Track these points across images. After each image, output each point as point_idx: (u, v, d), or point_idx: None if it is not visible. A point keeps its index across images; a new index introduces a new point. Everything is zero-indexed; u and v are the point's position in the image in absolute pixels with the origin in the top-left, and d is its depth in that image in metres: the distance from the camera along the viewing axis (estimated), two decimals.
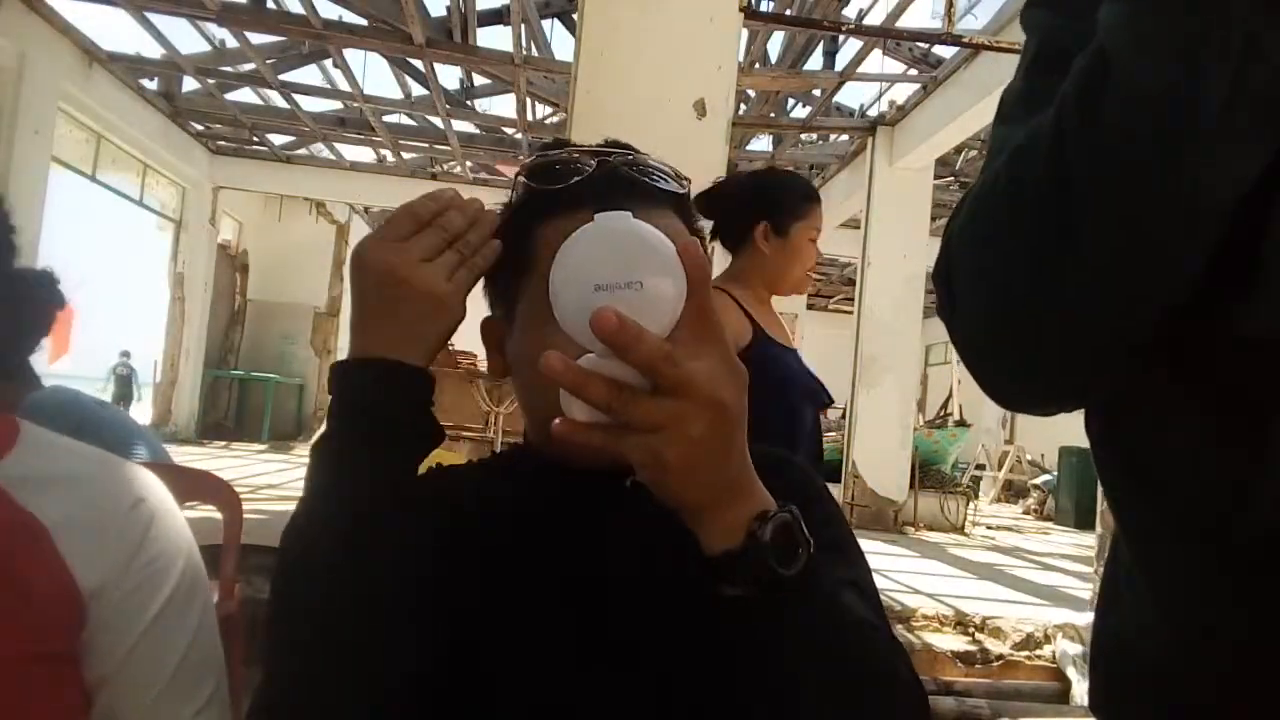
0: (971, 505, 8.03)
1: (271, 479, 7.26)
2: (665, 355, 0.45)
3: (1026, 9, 0.58)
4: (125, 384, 11.15)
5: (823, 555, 0.52)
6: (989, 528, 8.17)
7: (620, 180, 0.66)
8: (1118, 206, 0.43)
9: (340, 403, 0.60)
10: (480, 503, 0.68)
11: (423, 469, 0.74)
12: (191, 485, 2.84)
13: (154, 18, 7.09)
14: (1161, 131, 0.41)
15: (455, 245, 0.63)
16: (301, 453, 10.34)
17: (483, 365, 8.15)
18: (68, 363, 9.66)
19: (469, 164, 10.44)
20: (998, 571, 5.49)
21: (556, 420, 0.48)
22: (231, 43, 7.84)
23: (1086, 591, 4.54)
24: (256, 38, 7.62)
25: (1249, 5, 0.39)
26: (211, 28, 7.67)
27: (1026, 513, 10.30)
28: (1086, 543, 6.65)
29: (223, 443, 10.62)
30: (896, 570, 4.95)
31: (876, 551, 5.76)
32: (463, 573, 0.62)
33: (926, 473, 7.68)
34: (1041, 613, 4.02)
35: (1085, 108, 0.43)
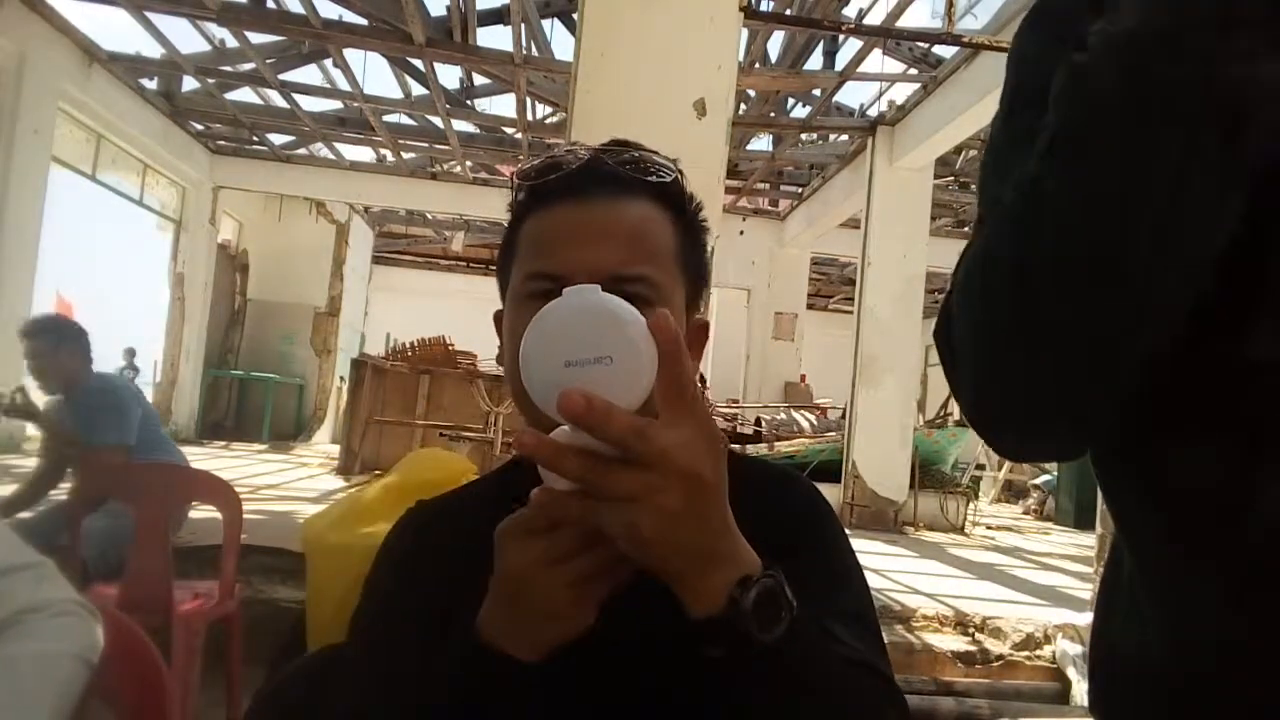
0: (971, 505, 8.02)
1: (271, 479, 7.25)
2: (636, 431, 0.45)
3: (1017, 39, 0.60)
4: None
5: (814, 584, 0.52)
6: (989, 528, 8.16)
7: (597, 172, 0.67)
8: (1071, 307, 0.45)
9: (438, 674, 0.58)
10: (481, 539, 0.67)
11: (425, 474, 0.74)
12: (192, 485, 2.85)
13: (154, 17, 7.09)
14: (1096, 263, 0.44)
15: (595, 550, 0.54)
16: (301, 452, 10.34)
17: (483, 366, 8.16)
18: None
19: (469, 164, 10.44)
20: (998, 571, 5.48)
21: (535, 490, 0.49)
22: (231, 42, 7.84)
23: (1087, 592, 4.53)
24: (257, 37, 7.62)
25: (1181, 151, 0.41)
26: (211, 27, 7.66)
27: (1026, 513, 10.29)
28: (1086, 543, 6.64)
29: (222, 442, 10.62)
30: (896, 570, 4.95)
31: (876, 551, 5.75)
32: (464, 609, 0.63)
33: (927, 473, 7.68)
34: (1041, 613, 4.02)
35: (1025, 229, 0.46)
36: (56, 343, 3.08)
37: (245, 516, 2.60)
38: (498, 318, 0.75)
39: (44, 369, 3.06)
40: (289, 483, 7.21)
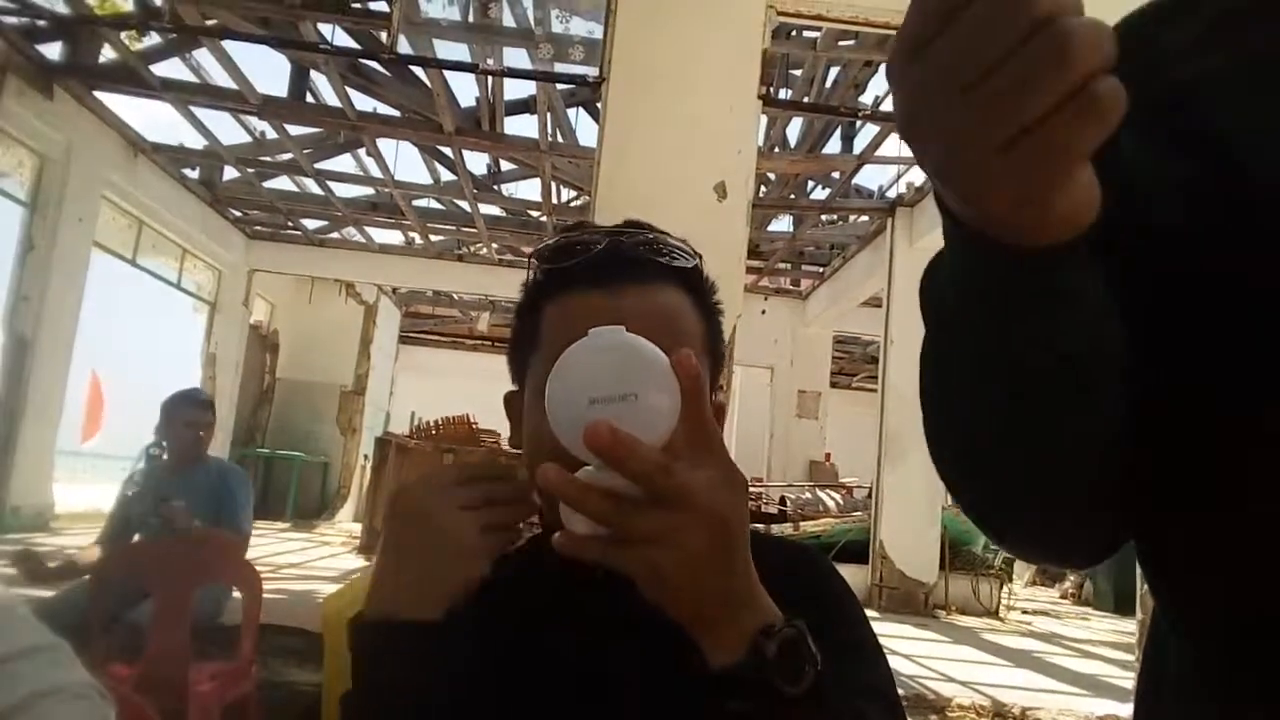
0: (1006, 588, 7.78)
1: (293, 558, 7.22)
2: (661, 467, 0.45)
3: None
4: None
5: (838, 661, 0.51)
6: (1025, 612, 7.89)
7: (622, 258, 0.67)
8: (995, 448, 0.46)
9: (356, 669, 0.61)
10: (501, 608, 0.67)
11: None
12: (213, 563, 2.84)
13: (198, 111, 7.45)
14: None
15: (494, 506, 0.62)
16: (324, 530, 10.30)
17: (504, 443, 8.16)
18: (99, 441, 9.78)
19: (495, 246, 10.69)
20: (1035, 659, 5.28)
21: (556, 535, 0.48)
22: (271, 134, 8.19)
23: (1129, 681, 4.34)
24: (295, 129, 7.95)
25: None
26: (252, 120, 8.03)
27: (1064, 596, 9.96)
28: (1127, 628, 6.39)
29: None
30: (928, 656, 4.78)
31: (906, 636, 5.57)
32: (487, 676, 0.63)
33: (957, 554, 7.48)
34: (1083, 703, 3.85)
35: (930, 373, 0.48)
36: (213, 417, 3.20)
37: (265, 595, 2.59)
38: (509, 399, 0.74)
39: (203, 440, 3.18)
40: (310, 561, 7.17)
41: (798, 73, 6.97)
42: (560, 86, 7.06)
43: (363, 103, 7.16)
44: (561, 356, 0.49)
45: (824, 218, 9.60)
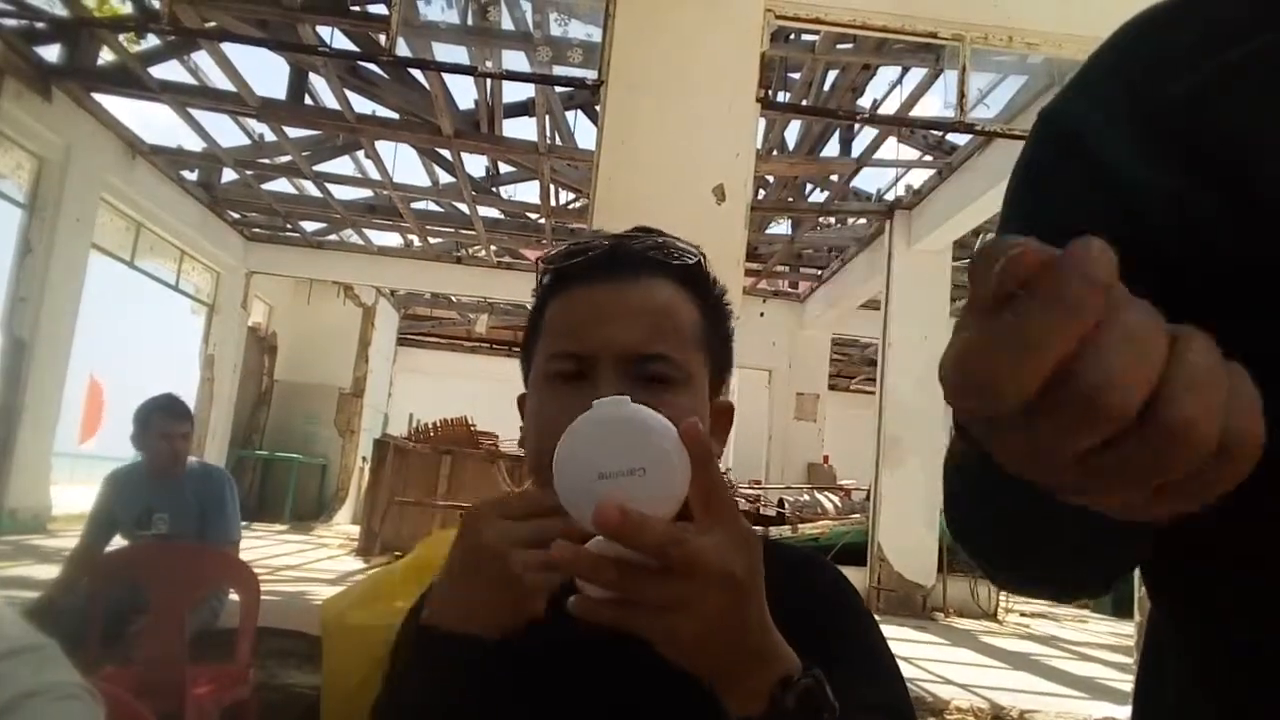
0: (1004, 590, 7.77)
1: (290, 560, 7.21)
2: (672, 539, 0.46)
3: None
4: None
5: (849, 677, 0.52)
6: (1023, 614, 7.88)
7: (621, 256, 0.69)
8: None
9: (405, 673, 0.61)
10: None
11: (446, 554, 0.74)
12: (210, 566, 2.84)
13: (196, 113, 7.45)
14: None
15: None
16: (322, 533, 10.29)
17: (504, 446, 8.16)
18: (97, 443, 9.78)
19: (493, 248, 10.68)
20: (1033, 661, 5.27)
21: (572, 599, 0.49)
22: (270, 136, 8.19)
23: (1127, 683, 4.34)
24: (293, 131, 7.95)
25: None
26: (251, 122, 8.02)
27: None
28: (1125, 631, 6.40)
29: (244, 523, 10.60)
30: (927, 659, 4.78)
31: (905, 639, 5.57)
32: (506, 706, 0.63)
33: (955, 556, 7.48)
34: (1081, 705, 3.85)
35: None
36: (190, 426, 3.11)
37: (263, 598, 2.58)
38: (521, 401, 0.76)
39: (179, 450, 3.04)
40: (308, 564, 7.16)
41: (796, 76, 6.98)
42: (559, 89, 7.06)
43: (361, 105, 7.17)
44: (568, 430, 0.49)
45: (822, 220, 9.61)
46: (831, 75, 6.81)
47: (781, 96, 7.05)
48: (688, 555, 0.46)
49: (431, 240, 10.81)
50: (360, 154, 8.63)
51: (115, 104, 7.54)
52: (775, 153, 7.85)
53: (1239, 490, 0.43)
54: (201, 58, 7.02)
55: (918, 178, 7.98)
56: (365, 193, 9.64)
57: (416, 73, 6.87)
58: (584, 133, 7.52)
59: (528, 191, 12.20)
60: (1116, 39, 0.52)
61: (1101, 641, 6.61)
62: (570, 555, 0.46)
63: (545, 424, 0.66)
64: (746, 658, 0.49)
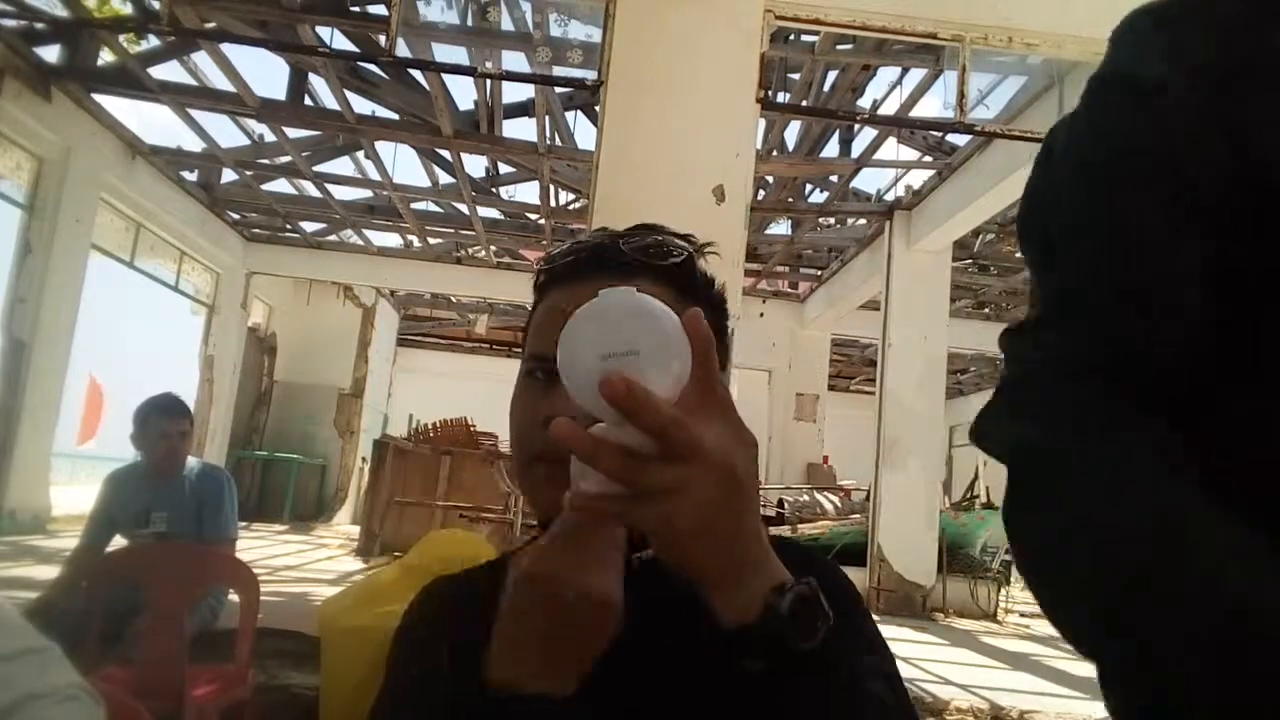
0: (1004, 591, 7.77)
1: (290, 560, 7.21)
2: (674, 419, 0.45)
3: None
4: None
5: (849, 640, 0.51)
6: (1023, 615, 7.89)
7: (604, 255, 0.69)
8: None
9: None
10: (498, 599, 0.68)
11: (443, 555, 0.74)
12: (210, 566, 2.83)
13: (196, 114, 7.45)
14: None
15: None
16: (321, 533, 10.29)
17: (504, 447, 8.16)
18: (96, 443, 9.77)
19: (493, 249, 10.68)
20: (1034, 662, 5.27)
21: (568, 494, 0.48)
22: (269, 137, 8.19)
23: None
24: (293, 132, 7.95)
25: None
26: (251, 123, 8.02)
27: None
28: None
29: (244, 523, 10.61)
30: (926, 659, 4.77)
31: (904, 639, 5.57)
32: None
33: (955, 556, 7.48)
34: (1082, 706, 3.85)
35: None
36: (189, 425, 3.10)
37: (262, 598, 2.58)
38: None
39: (178, 449, 3.02)
40: (308, 564, 7.16)
41: (796, 76, 6.98)
42: (559, 90, 7.06)
43: (361, 106, 7.17)
44: (573, 315, 0.49)
45: (822, 221, 9.61)
46: (831, 76, 6.81)
47: (781, 97, 7.05)
48: (689, 439, 0.45)
49: (431, 241, 10.81)
50: (360, 154, 8.63)
51: (115, 104, 7.56)
52: (775, 153, 7.85)
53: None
54: (201, 58, 7.03)
55: (917, 178, 7.99)
56: (365, 193, 9.64)
57: (416, 73, 6.87)
58: (584, 133, 7.55)
59: (527, 192, 12.21)
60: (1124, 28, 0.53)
61: None
62: (571, 433, 0.45)
63: (518, 425, 0.67)
64: (742, 559, 0.49)
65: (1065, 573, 0.48)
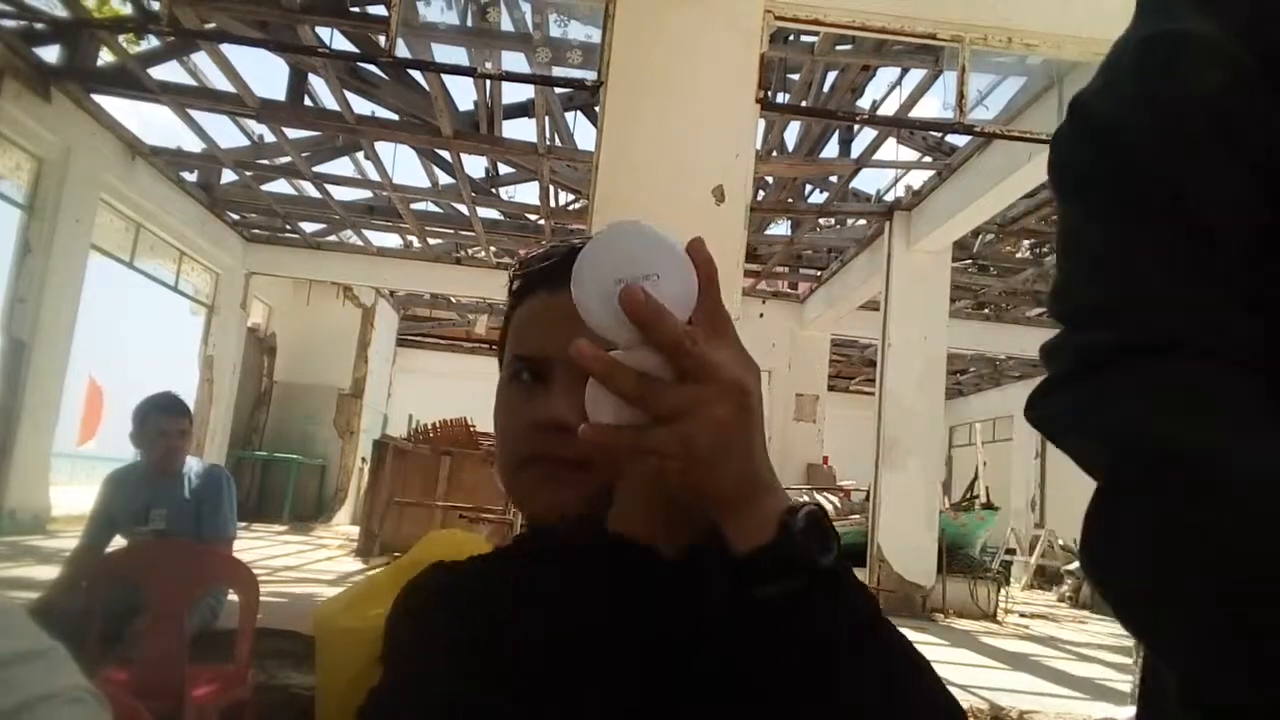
0: (1003, 591, 7.78)
1: (290, 560, 7.21)
2: (689, 332, 0.47)
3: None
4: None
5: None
6: (1022, 615, 7.89)
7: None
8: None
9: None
10: (487, 591, 0.68)
11: (441, 555, 0.74)
12: (209, 566, 2.83)
13: (196, 114, 7.45)
14: None
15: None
16: (321, 533, 10.29)
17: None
18: (95, 443, 9.77)
19: (493, 249, 10.68)
20: (1033, 662, 5.28)
21: (583, 425, 0.48)
22: (269, 137, 8.19)
23: (1127, 684, 4.34)
24: (293, 132, 7.96)
25: None
26: (250, 123, 8.02)
27: (1061, 600, 9.95)
28: (1125, 631, 6.40)
29: (243, 523, 10.61)
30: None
31: None
32: (476, 663, 0.62)
33: (954, 557, 7.48)
34: (1081, 706, 3.85)
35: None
36: (188, 423, 3.09)
37: (262, 599, 2.58)
38: None
39: (177, 447, 3.01)
40: (307, 564, 7.15)
41: (795, 77, 6.99)
42: (558, 90, 7.06)
43: (361, 106, 7.17)
44: (586, 245, 0.50)
45: (822, 221, 9.61)
46: (831, 76, 6.81)
47: (781, 97, 7.06)
48: (703, 357, 0.46)
49: (431, 241, 10.81)
50: (360, 155, 8.63)
51: (115, 105, 7.56)
52: (775, 154, 7.85)
53: None
54: (201, 59, 7.03)
55: (917, 178, 7.99)
56: (365, 193, 9.65)
57: (416, 74, 6.87)
58: (583, 133, 7.55)
59: (527, 192, 12.20)
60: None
61: (1101, 642, 6.62)
62: (590, 353, 0.46)
63: (504, 428, 0.67)
64: (755, 480, 0.50)
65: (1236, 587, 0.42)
